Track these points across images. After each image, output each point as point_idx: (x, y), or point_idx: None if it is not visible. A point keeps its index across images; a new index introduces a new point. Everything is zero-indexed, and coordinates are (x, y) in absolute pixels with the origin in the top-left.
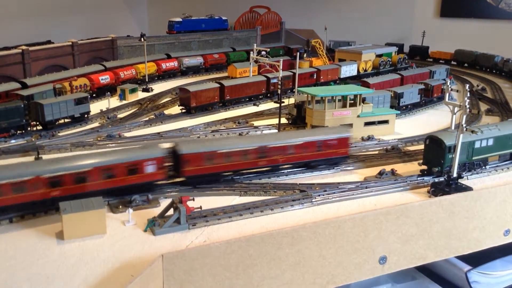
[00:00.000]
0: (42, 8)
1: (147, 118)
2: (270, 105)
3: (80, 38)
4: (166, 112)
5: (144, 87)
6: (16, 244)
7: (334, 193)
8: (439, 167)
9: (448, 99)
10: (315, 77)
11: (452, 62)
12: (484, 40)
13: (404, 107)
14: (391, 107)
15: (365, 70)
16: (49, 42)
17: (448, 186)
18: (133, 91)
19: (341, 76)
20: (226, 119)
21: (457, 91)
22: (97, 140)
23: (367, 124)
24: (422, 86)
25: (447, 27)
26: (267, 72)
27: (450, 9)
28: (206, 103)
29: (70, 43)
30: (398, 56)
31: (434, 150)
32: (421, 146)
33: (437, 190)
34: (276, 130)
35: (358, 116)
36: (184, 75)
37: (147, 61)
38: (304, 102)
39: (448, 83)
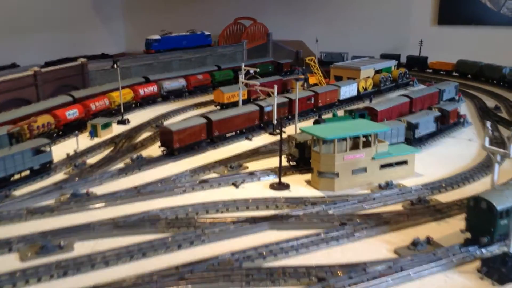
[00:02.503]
0: (6, 27)
1: (122, 164)
2: (264, 137)
3: (49, 59)
4: (145, 153)
5: (120, 119)
6: None
7: (362, 281)
8: (489, 237)
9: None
10: (313, 101)
11: (454, 73)
12: (485, 48)
13: (419, 139)
14: (406, 139)
15: (365, 89)
16: (14, 65)
17: (504, 265)
18: (106, 126)
19: (341, 98)
20: (216, 162)
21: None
22: (59, 203)
23: (383, 166)
24: (438, 113)
25: (446, 35)
26: (257, 95)
27: (448, 16)
28: (191, 143)
29: (32, 73)
30: (398, 70)
31: (481, 215)
32: (452, 195)
33: (491, 271)
34: (277, 178)
35: (373, 158)
36: (165, 101)
37: (123, 87)
38: (307, 141)
39: (488, 125)
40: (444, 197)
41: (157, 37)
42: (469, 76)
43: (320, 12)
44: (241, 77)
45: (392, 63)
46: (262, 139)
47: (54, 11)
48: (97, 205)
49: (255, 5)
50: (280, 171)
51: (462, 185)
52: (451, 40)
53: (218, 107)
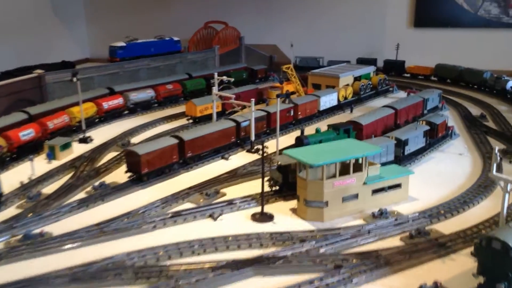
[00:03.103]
0: None
1: (83, 193)
2: (242, 156)
3: (6, 68)
4: (110, 179)
5: (81, 136)
6: None
7: None
8: (506, 283)
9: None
10: (292, 114)
11: (432, 78)
12: (463, 51)
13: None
14: (395, 157)
15: (345, 98)
16: None
17: None
18: (65, 147)
19: (321, 109)
20: (189, 188)
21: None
22: (9, 247)
23: (375, 191)
24: (427, 127)
25: (423, 38)
26: (232, 108)
27: (425, 19)
28: (161, 166)
29: None
30: (378, 77)
31: (495, 257)
32: (453, 223)
33: None
34: (259, 206)
35: (365, 183)
36: (132, 113)
37: (85, 101)
38: (290, 165)
39: (496, 151)
40: (445, 227)
41: (122, 44)
42: (448, 80)
43: (293, 15)
44: (215, 89)
45: (371, 69)
46: (240, 158)
47: (10, 13)
48: (52, 249)
49: (226, 8)
50: (263, 200)
51: (461, 210)
52: (428, 43)
53: (191, 121)
